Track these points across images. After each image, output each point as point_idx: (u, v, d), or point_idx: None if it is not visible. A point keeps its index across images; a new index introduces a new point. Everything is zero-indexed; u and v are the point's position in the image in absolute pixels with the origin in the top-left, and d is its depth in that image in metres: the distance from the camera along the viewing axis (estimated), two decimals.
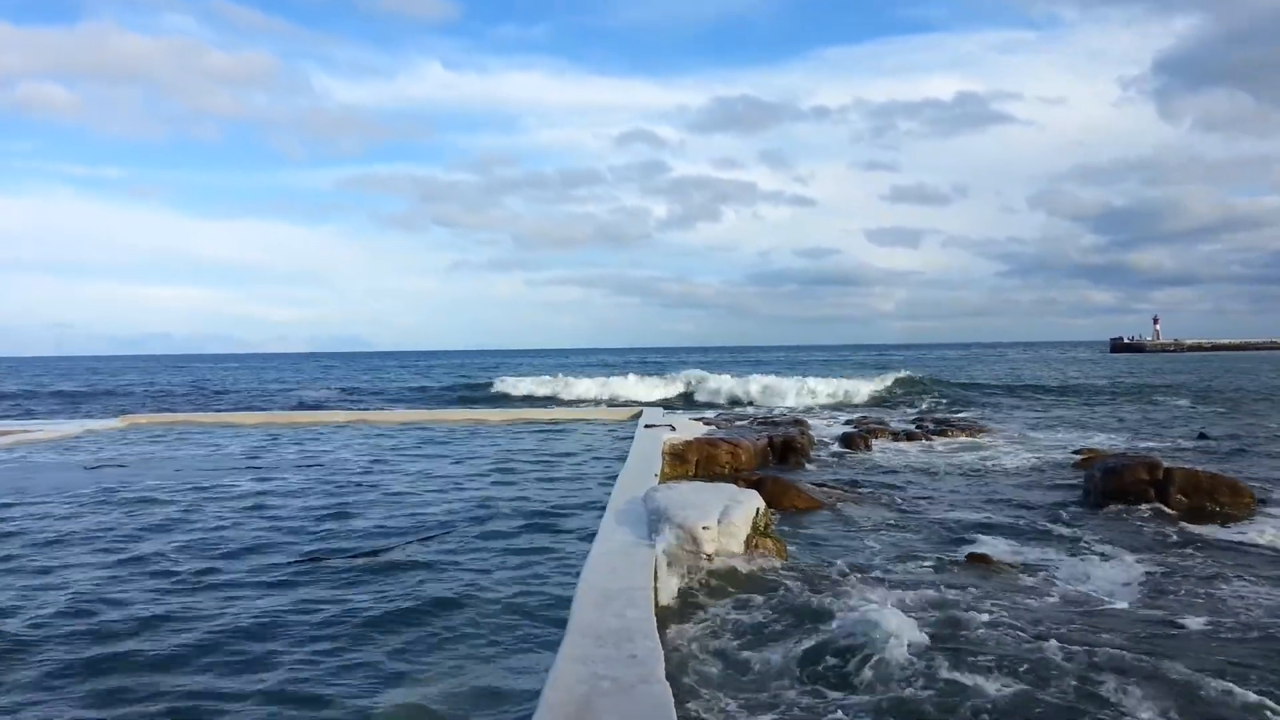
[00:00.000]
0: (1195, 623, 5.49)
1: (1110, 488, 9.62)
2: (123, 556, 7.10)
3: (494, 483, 10.58)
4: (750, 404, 30.08)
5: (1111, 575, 6.70)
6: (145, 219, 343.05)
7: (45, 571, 6.68)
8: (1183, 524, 8.66)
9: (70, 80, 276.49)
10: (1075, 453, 13.85)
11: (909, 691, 4.28)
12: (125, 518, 8.65)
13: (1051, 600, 6.07)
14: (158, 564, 6.88)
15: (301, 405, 30.89)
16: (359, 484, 10.49)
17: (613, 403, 29.93)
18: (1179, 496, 9.26)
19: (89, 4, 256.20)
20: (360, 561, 6.87)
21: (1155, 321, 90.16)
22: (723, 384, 33.47)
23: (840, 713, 4.07)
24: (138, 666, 4.79)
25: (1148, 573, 6.77)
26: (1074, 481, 11.09)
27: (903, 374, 36.43)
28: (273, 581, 6.36)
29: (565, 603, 4.97)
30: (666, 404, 28.61)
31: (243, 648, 5.04)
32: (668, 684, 3.66)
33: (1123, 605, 5.92)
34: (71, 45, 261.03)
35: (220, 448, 14.61)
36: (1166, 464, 9.82)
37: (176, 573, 6.61)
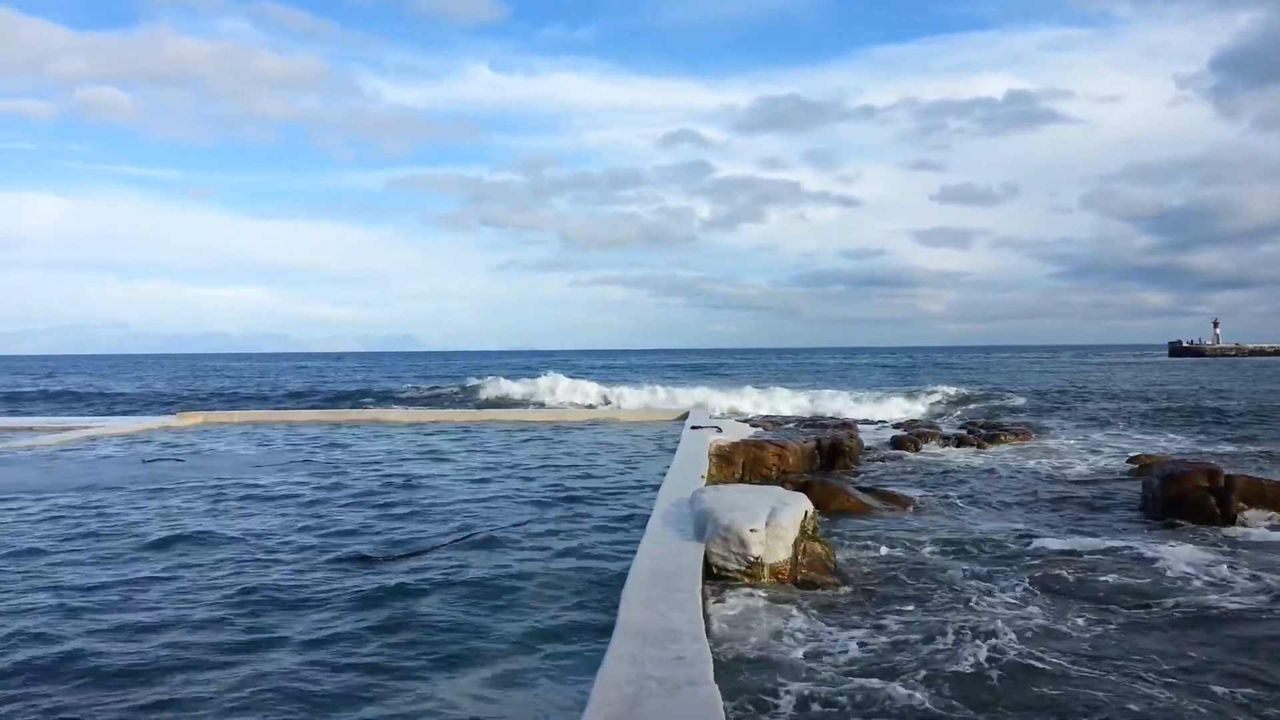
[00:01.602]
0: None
1: (1170, 495, 9.37)
2: (167, 552, 7.28)
3: (540, 483, 10.64)
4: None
5: (1177, 581, 6.53)
6: (201, 219, 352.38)
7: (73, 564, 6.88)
8: (1246, 532, 8.42)
9: (127, 84, 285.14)
10: (1130, 460, 13.50)
11: None
12: (174, 511, 8.87)
13: (1126, 601, 6.02)
14: (204, 560, 7.05)
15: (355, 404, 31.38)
16: (410, 483, 10.58)
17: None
18: (1241, 505, 8.99)
19: (146, 9, 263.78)
20: (404, 563, 6.91)
21: (1215, 325, 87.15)
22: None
23: None
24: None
25: (1213, 581, 6.58)
26: (1131, 488, 10.84)
27: (953, 377, 35.93)
28: (321, 579, 6.48)
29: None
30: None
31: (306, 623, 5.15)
32: (716, 687, 3.65)
33: (1193, 608, 5.79)
34: (129, 50, 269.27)
35: (274, 444, 14.91)
36: (1228, 471, 9.55)
37: (223, 572, 6.77)
